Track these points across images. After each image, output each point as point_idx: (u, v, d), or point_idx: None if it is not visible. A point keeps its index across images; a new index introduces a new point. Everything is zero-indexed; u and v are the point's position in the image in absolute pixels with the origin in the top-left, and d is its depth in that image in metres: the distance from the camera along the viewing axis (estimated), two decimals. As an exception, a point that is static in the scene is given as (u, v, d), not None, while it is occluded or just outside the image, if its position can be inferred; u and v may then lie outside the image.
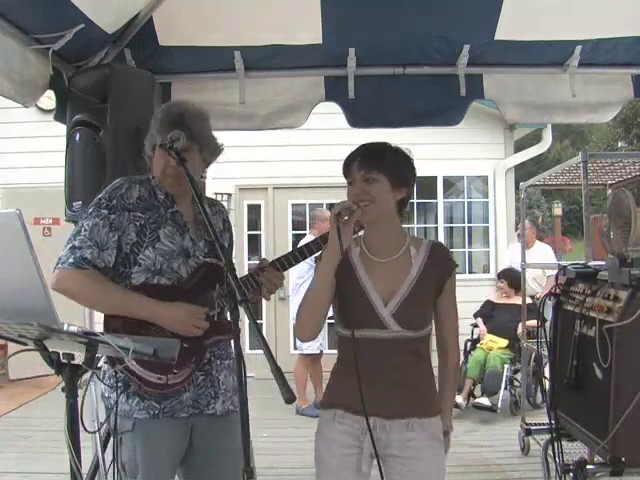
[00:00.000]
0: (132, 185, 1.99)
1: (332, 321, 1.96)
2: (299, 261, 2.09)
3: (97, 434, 2.43)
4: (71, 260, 1.88)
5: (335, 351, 2.00)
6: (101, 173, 2.64)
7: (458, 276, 1.99)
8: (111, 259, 1.92)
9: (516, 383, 5.42)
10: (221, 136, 2.14)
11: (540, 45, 3.01)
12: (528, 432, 4.10)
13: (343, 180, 1.90)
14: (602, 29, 2.96)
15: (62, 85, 2.79)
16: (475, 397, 5.33)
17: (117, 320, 1.92)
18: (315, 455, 1.91)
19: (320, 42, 2.96)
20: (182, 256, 1.99)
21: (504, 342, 5.49)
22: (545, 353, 3.26)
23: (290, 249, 2.14)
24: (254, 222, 7.55)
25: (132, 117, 2.69)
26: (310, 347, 5.43)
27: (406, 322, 1.82)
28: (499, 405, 5.19)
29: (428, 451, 1.83)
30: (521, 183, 4.88)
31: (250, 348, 6.44)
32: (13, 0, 2.27)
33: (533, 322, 5.45)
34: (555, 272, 6.07)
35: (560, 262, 4.34)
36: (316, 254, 2.07)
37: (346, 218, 1.79)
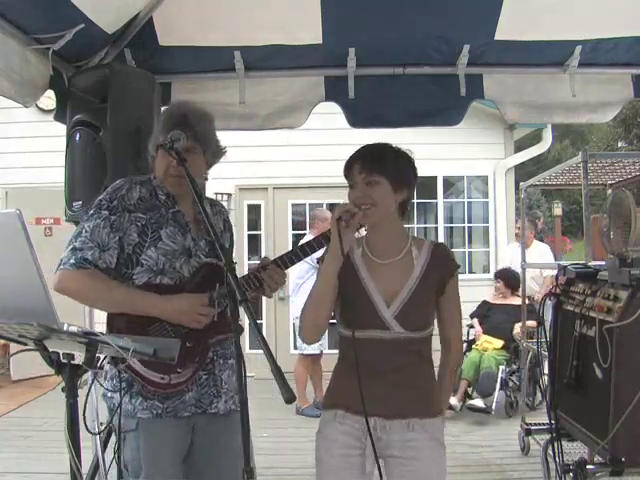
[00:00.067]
0: (133, 186, 2.00)
1: (332, 321, 1.96)
2: (301, 259, 2.10)
3: (97, 435, 2.43)
4: (72, 261, 1.88)
5: (335, 351, 2.00)
6: (101, 173, 2.64)
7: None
8: (112, 260, 1.93)
9: (512, 384, 5.37)
10: (221, 136, 2.14)
11: (540, 45, 3.01)
12: (528, 432, 4.10)
13: (343, 180, 1.90)
14: (602, 29, 2.95)
15: (62, 85, 2.79)
16: (472, 398, 5.30)
17: (120, 320, 1.92)
18: (315, 455, 1.91)
19: (320, 42, 2.96)
20: (184, 256, 1.99)
21: (499, 343, 5.45)
22: (543, 353, 3.26)
23: (290, 249, 2.14)
24: (254, 222, 7.55)
25: (132, 117, 2.69)
26: (310, 347, 5.42)
27: (408, 323, 1.82)
28: (493, 407, 5.14)
29: (429, 451, 1.83)
30: (521, 183, 4.88)
31: (250, 348, 6.44)
32: (13, 0, 2.27)
33: (531, 322, 5.47)
34: (553, 272, 6.11)
35: (560, 262, 4.33)
36: (317, 252, 2.08)
37: (347, 221, 1.79)
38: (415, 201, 7.25)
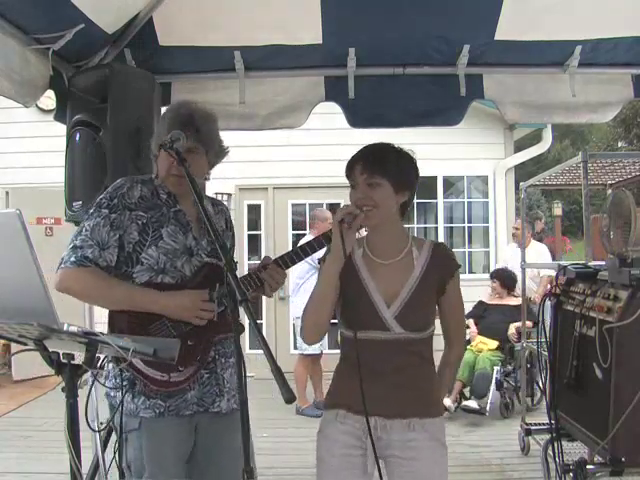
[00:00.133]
0: (134, 185, 2.00)
1: (333, 321, 1.96)
2: (301, 259, 2.10)
3: (97, 435, 2.43)
4: (73, 259, 1.89)
5: (335, 351, 2.00)
6: (101, 173, 2.64)
7: (458, 276, 1.99)
8: (113, 258, 1.93)
9: (507, 385, 5.34)
10: (221, 136, 2.15)
11: (540, 45, 3.01)
12: (528, 432, 4.10)
13: (343, 180, 1.90)
14: (602, 29, 2.95)
15: (62, 85, 2.79)
16: (467, 399, 5.26)
17: (122, 319, 1.93)
18: (316, 455, 1.91)
19: (320, 42, 2.96)
20: (185, 255, 2.00)
21: (494, 344, 5.41)
22: (543, 353, 3.26)
23: (290, 249, 2.15)
24: (254, 222, 7.55)
25: (132, 117, 2.69)
26: (310, 347, 5.42)
27: (408, 324, 1.83)
28: (487, 408, 5.09)
29: (429, 452, 1.82)
30: (521, 183, 4.88)
31: (250, 348, 6.44)
32: (13, 0, 2.27)
33: (527, 323, 5.45)
34: (550, 272, 6.10)
35: (560, 262, 4.33)
36: (318, 252, 2.08)
37: (349, 223, 1.79)
38: (415, 201, 7.18)
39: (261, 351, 1.52)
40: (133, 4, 2.74)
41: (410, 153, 1.92)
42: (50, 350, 1.43)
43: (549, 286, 6.22)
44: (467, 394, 5.32)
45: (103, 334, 1.51)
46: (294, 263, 2.10)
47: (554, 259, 8.61)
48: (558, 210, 10.59)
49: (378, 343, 1.83)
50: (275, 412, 4.79)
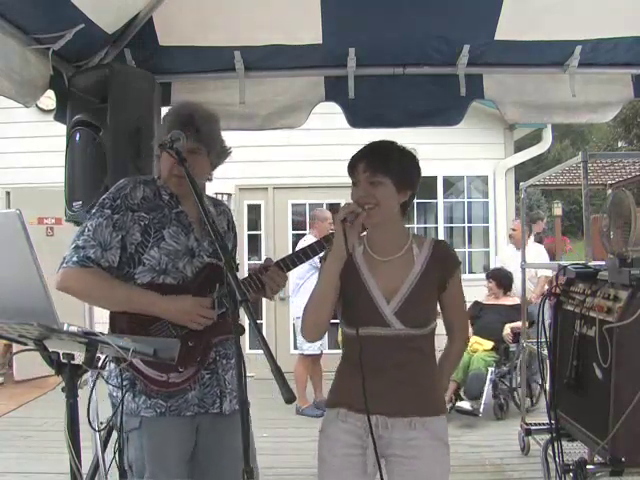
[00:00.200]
0: (137, 185, 2.00)
1: (333, 321, 1.96)
2: (303, 261, 2.11)
3: (97, 434, 2.43)
4: (75, 259, 1.89)
5: (335, 351, 2.01)
6: (101, 173, 2.64)
7: (458, 276, 1.99)
8: (115, 259, 1.93)
9: (502, 386, 5.31)
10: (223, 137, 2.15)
11: (540, 45, 3.01)
12: (528, 432, 4.10)
13: (343, 180, 1.90)
14: (602, 29, 2.95)
15: (62, 85, 2.79)
16: (462, 400, 5.21)
17: (122, 319, 1.93)
18: (318, 454, 1.91)
19: (320, 42, 2.96)
20: (187, 256, 2.00)
21: (489, 344, 5.36)
22: (543, 354, 3.25)
23: (290, 249, 2.16)
24: (254, 222, 7.55)
25: (132, 117, 2.70)
26: (311, 347, 5.43)
27: (408, 320, 1.83)
28: (481, 409, 5.03)
29: (430, 450, 1.82)
30: (521, 183, 4.88)
31: (250, 348, 6.43)
32: (13, 0, 2.27)
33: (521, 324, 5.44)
34: (547, 272, 6.09)
35: (560, 262, 4.33)
36: (320, 255, 2.09)
37: (352, 221, 1.79)
38: (415, 201, 7.19)
39: (261, 351, 1.52)
40: (133, 4, 2.74)
41: (413, 152, 1.92)
42: (50, 350, 1.43)
43: (546, 287, 6.23)
44: (463, 395, 5.28)
45: (103, 334, 1.51)
46: (295, 266, 2.10)
47: (553, 260, 8.61)
48: (558, 210, 10.58)
49: (379, 339, 1.83)
50: (275, 412, 4.78)
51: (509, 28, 2.89)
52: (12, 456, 4.35)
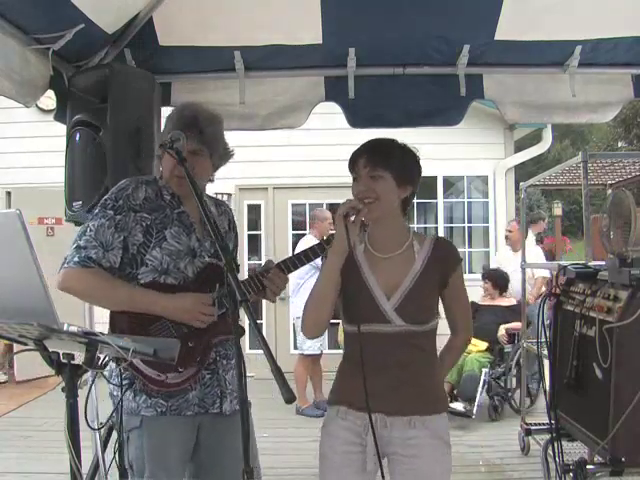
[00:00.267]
0: (139, 186, 2.00)
1: (332, 321, 1.96)
2: (304, 264, 2.12)
3: (97, 435, 2.43)
4: (76, 259, 1.89)
5: (335, 351, 2.01)
6: (101, 173, 2.64)
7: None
8: (116, 259, 1.93)
9: (497, 388, 5.27)
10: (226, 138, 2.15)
11: (540, 45, 3.01)
12: (528, 432, 4.10)
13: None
14: (602, 29, 2.95)
15: (62, 85, 2.79)
16: (457, 400, 5.16)
17: (123, 319, 1.93)
18: (319, 451, 1.92)
19: (320, 42, 2.96)
20: (189, 256, 2.00)
21: (484, 345, 5.32)
22: (543, 353, 3.26)
23: (290, 249, 2.17)
24: (254, 222, 7.55)
25: (132, 117, 2.70)
26: (311, 347, 5.43)
27: (409, 316, 1.83)
28: (474, 410, 4.99)
29: (430, 449, 1.82)
30: (521, 183, 4.88)
31: (250, 348, 6.44)
32: (13, 0, 2.27)
33: (516, 324, 5.40)
34: (544, 273, 6.08)
35: (560, 262, 4.33)
36: (320, 257, 2.09)
37: (353, 218, 1.80)
38: (415, 201, 7.20)
39: (261, 351, 1.52)
40: (133, 4, 2.74)
41: (414, 150, 1.92)
42: (50, 350, 1.43)
43: (544, 288, 6.23)
44: (456, 396, 5.24)
45: (103, 334, 1.51)
46: (296, 268, 2.11)
47: (553, 260, 8.60)
48: (558, 210, 10.58)
49: (380, 336, 1.83)
50: (275, 412, 4.78)
51: (509, 28, 2.89)
52: (12, 456, 4.36)
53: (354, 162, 1.87)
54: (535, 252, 6.33)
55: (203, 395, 1.99)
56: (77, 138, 2.74)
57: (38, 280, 1.34)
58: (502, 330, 5.37)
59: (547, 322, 3.30)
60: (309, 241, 5.02)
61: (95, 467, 2.49)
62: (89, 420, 1.69)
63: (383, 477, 1.79)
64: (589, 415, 2.75)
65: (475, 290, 6.25)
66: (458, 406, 5.04)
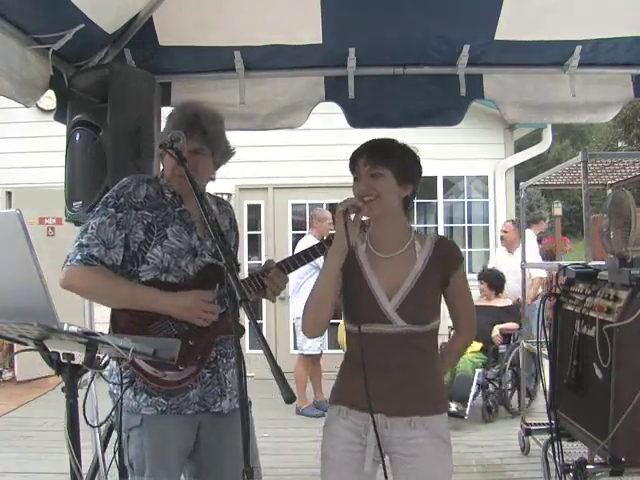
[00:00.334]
0: (140, 184, 2.01)
1: (332, 321, 1.96)
2: (304, 263, 2.12)
3: (97, 434, 2.43)
4: (78, 257, 1.89)
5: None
6: (101, 173, 2.64)
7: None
8: (118, 257, 1.94)
9: (492, 388, 5.23)
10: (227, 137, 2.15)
11: (540, 45, 3.01)
12: (528, 432, 4.10)
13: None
14: (602, 29, 2.95)
15: (62, 85, 2.79)
16: (451, 401, 5.08)
17: (123, 318, 1.93)
18: (321, 451, 1.92)
19: (320, 42, 2.96)
20: (190, 255, 2.01)
21: (478, 345, 5.27)
22: (539, 354, 3.26)
23: (290, 249, 2.17)
24: (254, 222, 7.55)
25: (132, 117, 2.70)
26: (311, 347, 5.43)
27: (410, 317, 1.83)
28: (467, 411, 4.95)
29: (430, 449, 1.82)
30: (521, 183, 4.88)
31: (250, 348, 6.43)
32: (13, 0, 2.27)
33: (511, 325, 5.39)
34: (540, 273, 6.06)
35: (560, 262, 4.33)
36: (320, 257, 2.10)
37: (353, 215, 1.80)
38: (415, 201, 7.18)
39: (261, 351, 1.52)
40: (133, 4, 2.74)
41: (414, 150, 1.93)
42: (50, 350, 1.43)
43: (540, 288, 6.22)
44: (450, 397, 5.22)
45: (103, 334, 1.51)
46: (297, 268, 2.11)
47: (553, 260, 8.60)
48: (558, 210, 10.57)
49: (381, 337, 1.83)
50: (275, 412, 4.78)
51: (509, 28, 2.89)
52: (12, 456, 4.35)
53: (354, 162, 1.87)
54: (534, 251, 6.33)
55: (203, 394, 1.99)
56: (77, 138, 2.74)
57: (38, 280, 1.34)
58: (496, 331, 5.34)
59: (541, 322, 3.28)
60: (309, 241, 5.02)
61: (95, 467, 2.49)
62: (89, 419, 1.70)
63: (386, 477, 1.79)
64: (589, 415, 2.75)
65: (475, 290, 6.25)
66: (451, 406, 4.98)
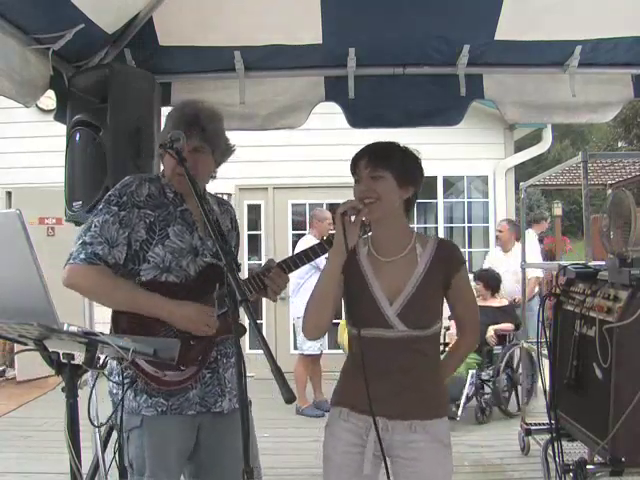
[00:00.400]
0: (142, 183, 2.01)
1: (333, 321, 1.96)
2: (305, 263, 2.12)
3: (97, 433, 2.43)
4: (82, 256, 1.88)
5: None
6: (101, 173, 2.64)
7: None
8: (121, 256, 1.93)
9: (487, 389, 5.22)
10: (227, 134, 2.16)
11: (540, 45, 3.01)
12: (528, 432, 4.10)
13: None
14: (602, 29, 2.95)
15: (62, 85, 2.79)
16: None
17: (125, 318, 1.93)
18: (323, 453, 1.93)
19: (320, 42, 2.96)
20: (191, 254, 2.01)
21: None
22: (539, 354, 3.25)
23: (290, 249, 2.18)
24: (254, 222, 7.55)
25: (132, 117, 2.70)
26: (311, 347, 5.43)
27: (411, 321, 1.82)
28: (459, 412, 4.90)
29: (431, 453, 1.82)
30: (521, 183, 4.87)
31: (250, 348, 6.43)
32: (13, 0, 2.27)
33: (506, 325, 5.37)
34: (537, 273, 6.04)
35: (560, 262, 4.33)
36: (321, 257, 2.10)
37: (353, 217, 1.80)
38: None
39: (261, 351, 1.52)
40: (133, 4, 2.74)
41: (415, 152, 1.93)
42: (50, 350, 1.43)
43: (537, 288, 6.21)
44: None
45: (103, 334, 1.51)
46: (297, 267, 2.12)
47: (553, 260, 8.59)
48: (558, 210, 10.58)
49: (382, 341, 1.83)
50: (275, 412, 4.78)
51: (509, 28, 2.89)
52: (12, 456, 4.35)
53: (355, 164, 1.88)
54: (536, 250, 6.33)
55: (204, 394, 1.99)
56: (77, 138, 2.74)
57: (38, 280, 1.34)
58: (490, 331, 5.30)
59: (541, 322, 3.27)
60: (308, 241, 5.02)
61: (95, 467, 2.49)
62: (90, 417, 1.70)
63: (389, 478, 1.79)
64: (589, 415, 2.75)
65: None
66: None
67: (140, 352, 1.50)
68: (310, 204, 7.20)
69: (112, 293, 1.93)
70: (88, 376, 1.94)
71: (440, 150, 6.93)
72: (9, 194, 7.25)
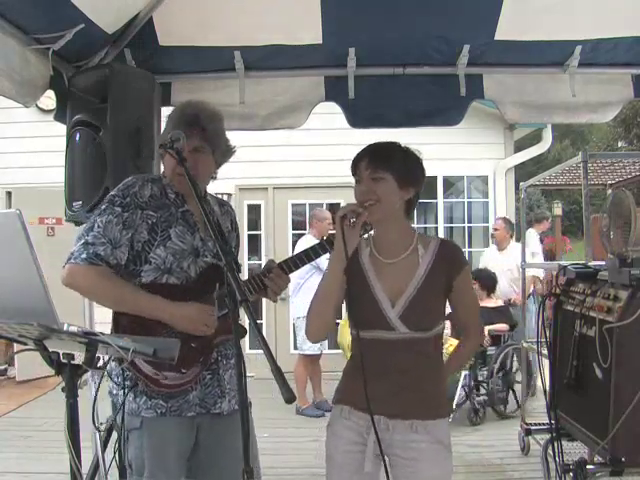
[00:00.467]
0: (145, 183, 2.00)
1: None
2: (305, 263, 2.12)
3: (97, 434, 2.43)
4: (84, 256, 1.88)
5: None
6: (101, 173, 2.64)
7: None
8: (123, 257, 1.93)
9: (480, 390, 5.19)
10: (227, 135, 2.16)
11: (540, 45, 3.01)
12: (528, 432, 4.10)
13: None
14: (602, 29, 2.95)
15: (62, 85, 2.79)
16: None
17: (125, 318, 1.93)
18: (326, 452, 1.93)
19: (320, 42, 2.96)
20: (192, 255, 2.00)
21: None
22: (539, 354, 3.25)
23: (290, 249, 2.18)
24: (254, 222, 7.55)
25: (132, 117, 2.70)
26: (311, 347, 5.42)
27: (413, 323, 1.82)
28: (451, 414, 4.76)
29: (431, 453, 1.82)
30: (521, 183, 4.88)
31: (250, 348, 6.43)
32: (13, 0, 2.27)
33: (501, 326, 5.34)
34: (535, 272, 6.01)
35: (560, 262, 4.33)
36: (322, 256, 2.10)
37: (353, 220, 1.79)
38: (415, 201, 7.23)
39: (261, 351, 1.52)
40: (133, 4, 2.74)
41: (417, 153, 1.92)
42: (50, 350, 1.43)
43: (532, 287, 6.20)
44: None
45: (103, 334, 1.51)
46: (298, 268, 2.12)
47: (553, 260, 8.59)
48: (558, 210, 10.57)
49: (383, 343, 1.83)
50: (275, 412, 4.79)
51: (509, 28, 2.89)
52: (12, 456, 4.35)
53: (356, 165, 1.87)
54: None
55: (204, 395, 1.99)
56: (77, 138, 2.74)
57: (38, 280, 1.34)
58: (484, 332, 5.31)
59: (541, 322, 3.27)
60: (308, 241, 5.02)
61: (95, 467, 2.49)
62: (89, 418, 1.70)
63: (388, 477, 1.79)
64: (589, 415, 2.75)
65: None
66: None
67: (140, 352, 1.50)
68: (310, 204, 7.20)
69: (113, 295, 1.92)
70: (88, 376, 1.94)
71: (440, 150, 6.93)
72: (9, 194, 7.25)
